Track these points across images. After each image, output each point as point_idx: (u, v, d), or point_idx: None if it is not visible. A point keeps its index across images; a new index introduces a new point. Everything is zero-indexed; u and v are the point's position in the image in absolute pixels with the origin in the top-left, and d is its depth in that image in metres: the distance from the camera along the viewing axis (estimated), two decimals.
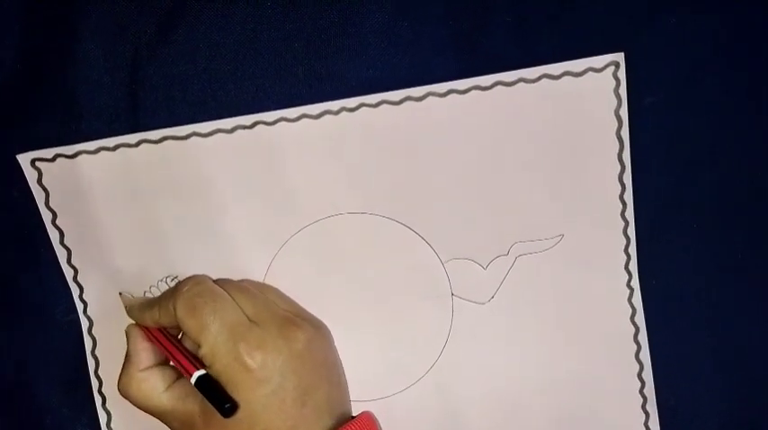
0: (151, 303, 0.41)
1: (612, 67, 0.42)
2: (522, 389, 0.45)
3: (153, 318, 0.40)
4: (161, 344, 0.40)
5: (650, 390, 0.45)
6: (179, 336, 0.42)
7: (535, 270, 0.44)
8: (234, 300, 0.39)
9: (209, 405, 0.37)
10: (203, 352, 0.38)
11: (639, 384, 0.45)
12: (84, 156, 0.43)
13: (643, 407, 0.45)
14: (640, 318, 0.44)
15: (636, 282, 0.44)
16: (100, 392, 0.46)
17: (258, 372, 0.37)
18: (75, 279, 0.45)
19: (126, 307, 0.43)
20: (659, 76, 0.42)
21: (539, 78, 0.42)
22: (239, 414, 0.36)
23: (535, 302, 0.44)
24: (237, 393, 0.37)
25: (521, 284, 0.44)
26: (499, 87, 0.42)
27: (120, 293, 0.44)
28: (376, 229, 0.44)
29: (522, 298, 0.44)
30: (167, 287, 0.44)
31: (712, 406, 0.45)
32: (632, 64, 0.42)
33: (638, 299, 0.44)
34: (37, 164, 0.43)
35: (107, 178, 0.43)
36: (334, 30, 0.42)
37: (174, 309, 0.38)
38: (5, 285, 0.45)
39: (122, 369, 0.41)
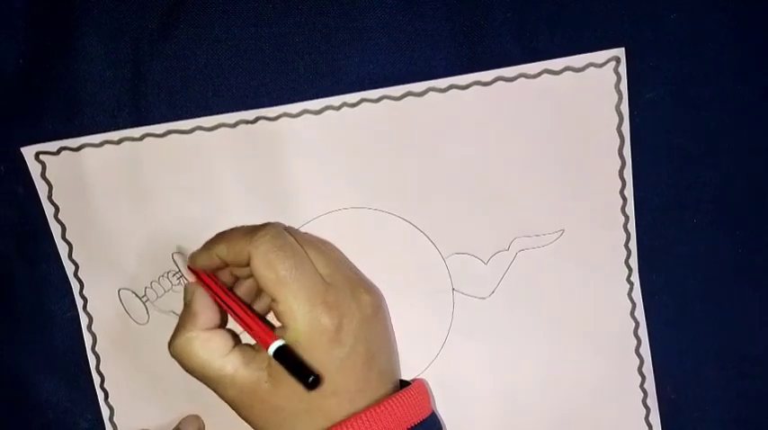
0: (216, 240, 0.39)
1: (613, 63, 0.42)
2: (522, 383, 0.45)
3: (220, 253, 0.39)
4: (229, 308, 0.39)
5: (651, 385, 0.45)
6: (233, 282, 0.42)
7: (536, 265, 0.44)
8: (308, 256, 0.39)
9: (278, 370, 0.36)
10: (281, 309, 0.37)
11: (640, 379, 0.45)
12: (88, 149, 0.43)
13: (644, 401, 0.45)
14: (640, 313, 0.44)
15: (636, 277, 0.44)
16: (102, 387, 0.46)
17: (333, 334, 0.37)
18: (75, 274, 0.45)
19: (188, 260, 0.42)
20: (660, 71, 0.42)
21: (539, 74, 0.42)
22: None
23: (535, 297, 0.44)
24: (313, 354, 0.36)
25: (521, 279, 0.44)
26: (500, 83, 0.42)
27: (179, 253, 0.44)
28: (377, 224, 0.44)
29: (523, 293, 0.44)
30: (169, 283, 0.44)
31: (713, 400, 0.45)
32: (633, 59, 0.42)
33: (637, 294, 0.44)
34: (41, 157, 0.44)
35: (111, 172, 0.44)
36: (336, 25, 0.42)
37: (250, 257, 0.37)
38: (7, 280, 0.46)
39: (181, 328, 0.39)
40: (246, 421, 0.39)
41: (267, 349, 0.36)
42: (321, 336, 0.36)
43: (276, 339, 0.36)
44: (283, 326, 0.37)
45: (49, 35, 0.43)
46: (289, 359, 0.36)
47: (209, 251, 0.40)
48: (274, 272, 0.37)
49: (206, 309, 0.39)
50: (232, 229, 0.40)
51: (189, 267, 0.42)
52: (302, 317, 0.36)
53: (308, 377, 0.35)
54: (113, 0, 0.42)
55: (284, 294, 0.37)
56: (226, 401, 0.39)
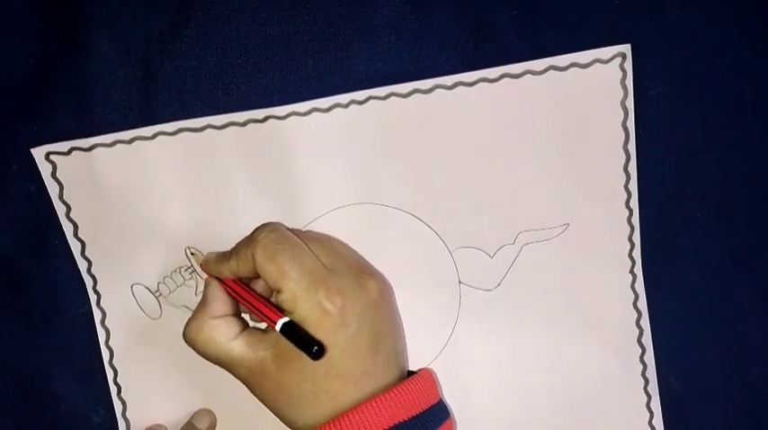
0: (226, 255, 0.41)
1: (619, 59, 0.42)
2: (527, 372, 0.46)
3: (231, 268, 0.40)
4: (239, 295, 0.40)
5: (652, 373, 0.45)
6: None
7: (541, 258, 0.44)
8: (308, 248, 0.39)
9: (283, 350, 0.37)
10: (284, 297, 0.38)
11: (642, 367, 0.45)
12: (99, 149, 0.44)
13: (645, 389, 0.45)
14: (643, 304, 0.45)
15: (639, 269, 0.44)
16: (115, 382, 0.46)
17: (337, 317, 0.37)
18: (88, 271, 0.45)
19: (201, 263, 0.43)
20: (665, 67, 0.42)
21: (545, 70, 0.42)
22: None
23: (540, 289, 0.45)
24: (317, 337, 0.37)
25: (527, 272, 0.45)
26: (506, 79, 0.42)
27: (193, 253, 0.44)
28: (385, 220, 0.44)
29: (528, 285, 0.45)
30: (181, 278, 0.45)
31: (716, 391, 0.46)
32: (638, 56, 0.42)
33: (640, 285, 0.45)
34: (51, 157, 0.44)
35: (122, 171, 0.44)
36: (344, 23, 0.42)
37: (253, 256, 0.38)
38: (21, 277, 0.46)
39: (193, 316, 0.41)
40: (260, 400, 0.40)
41: (275, 327, 0.37)
42: (325, 319, 0.37)
43: (282, 316, 0.37)
44: (290, 313, 0.38)
45: (60, 35, 0.43)
46: (294, 333, 0.37)
47: (220, 266, 0.41)
48: (275, 264, 0.38)
49: (216, 299, 0.41)
50: (237, 244, 0.41)
51: (203, 268, 0.43)
52: (305, 301, 0.37)
53: (312, 347, 0.35)
54: (123, 0, 0.42)
55: (286, 283, 0.37)
56: (240, 380, 0.40)
